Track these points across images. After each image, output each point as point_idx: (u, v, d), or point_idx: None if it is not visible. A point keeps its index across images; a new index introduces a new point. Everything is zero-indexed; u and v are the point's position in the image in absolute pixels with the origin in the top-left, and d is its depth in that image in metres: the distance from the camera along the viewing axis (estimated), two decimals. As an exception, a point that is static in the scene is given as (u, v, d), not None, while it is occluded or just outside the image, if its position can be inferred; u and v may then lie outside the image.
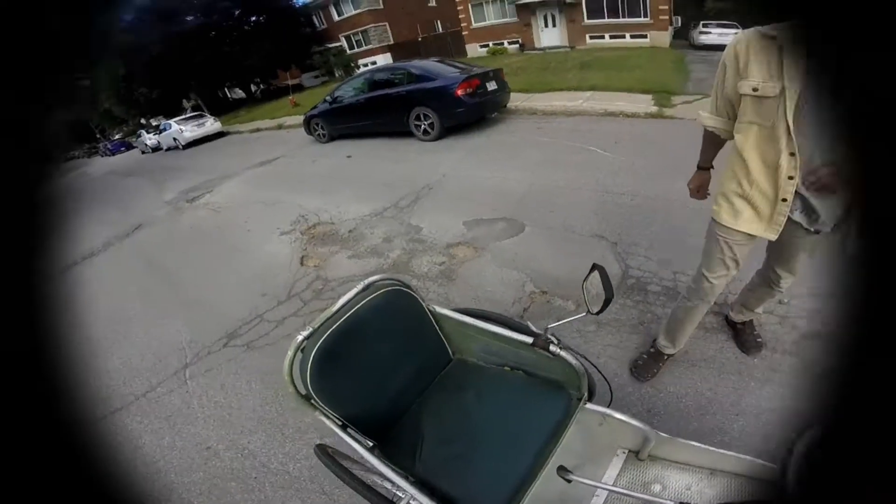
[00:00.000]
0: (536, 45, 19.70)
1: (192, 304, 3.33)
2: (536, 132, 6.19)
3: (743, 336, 1.96)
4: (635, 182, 3.97)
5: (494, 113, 7.21)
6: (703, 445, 1.18)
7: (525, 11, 19.47)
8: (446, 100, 6.30)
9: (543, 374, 1.30)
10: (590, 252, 2.90)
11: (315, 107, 8.61)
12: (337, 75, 24.77)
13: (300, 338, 1.12)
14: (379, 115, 7.17)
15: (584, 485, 1.14)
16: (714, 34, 16.41)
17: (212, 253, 4.29)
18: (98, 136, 31.93)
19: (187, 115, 16.41)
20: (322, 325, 1.16)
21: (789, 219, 1.37)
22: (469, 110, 6.38)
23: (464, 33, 21.74)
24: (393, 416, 1.31)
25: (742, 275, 1.69)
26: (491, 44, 20.65)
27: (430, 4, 28.40)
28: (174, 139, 14.54)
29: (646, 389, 1.84)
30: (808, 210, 1.34)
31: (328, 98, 8.09)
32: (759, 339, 1.95)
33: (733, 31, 16.03)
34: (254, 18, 25.50)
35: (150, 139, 17.26)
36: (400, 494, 1.10)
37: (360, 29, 26.26)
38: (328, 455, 1.20)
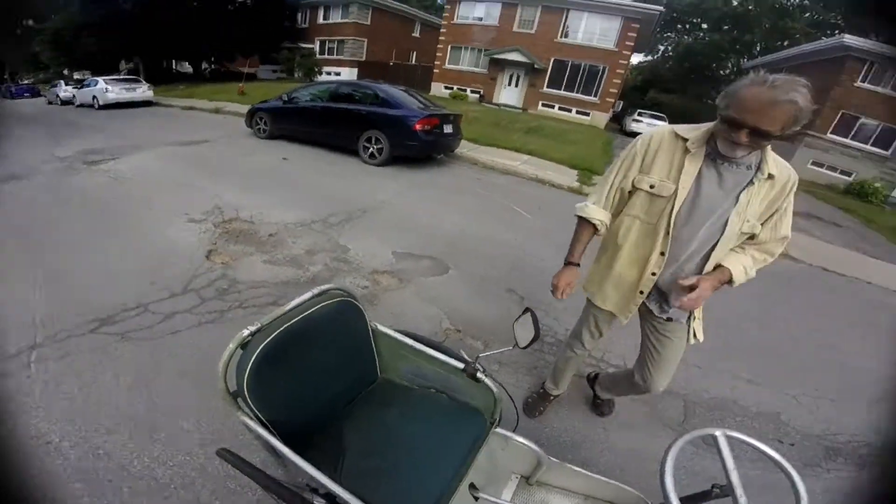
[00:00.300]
0: (494, 100, 21.04)
1: (56, 277, 2.88)
2: (475, 182, 6.62)
3: (601, 406, 2.20)
4: (547, 248, 4.45)
5: (442, 154, 7.60)
6: (585, 472, 1.39)
7: (496, 66, 20.84)
8: (403, 130, 6.51)
9: (465, 398, 1.44)
10: (502, 302, 3.22)
11: (266, 101, 8.39)
12: (296, 76, 24.24)
13: (246, 332, 1.11)
14: (331, 126, 7.17)
15: (489, 500, 1.27)
16: (644, 123, 18.55)
17: (98, 225, 3.76)
18: (5, 77, 28.03)
19: (119, 77, 15.06)
20: (271, 323, 1.16)
21: (646, 305, 1.54)
22: (422, 146, 6.64)
23: (434, 70, 22.53)
24: (317, 426, 1.31)
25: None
26: (455, 87, 21.65)
27: (413, 34, 29.26)
28: (93, 97, 13.15)
29: (534, 424, 2.10)
30: (662, 300, 1.52)
31: (284, 96, 7.95)
32: (614, 405, 2.23)
33: (660, 122, 18.49)
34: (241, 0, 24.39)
35: (64, 91, 15.59)
36: (321, 499, 1.11)
37: (338, 38, 26.10)
38: (236, 456, 1.16)
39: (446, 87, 21.97)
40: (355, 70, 24.92)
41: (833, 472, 2.30)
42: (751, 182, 1.30)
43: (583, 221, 1.57)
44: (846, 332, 4.14)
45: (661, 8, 20.07)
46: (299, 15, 27.48)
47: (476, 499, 1.27)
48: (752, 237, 1.41)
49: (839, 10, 25.96)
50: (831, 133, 16.95)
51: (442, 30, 22.18)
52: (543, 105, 20.49)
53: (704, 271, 1.42)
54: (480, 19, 21.13)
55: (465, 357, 1.42)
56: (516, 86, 21.11)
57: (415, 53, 28.84)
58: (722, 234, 1.36)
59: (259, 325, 1.14)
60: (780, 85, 1.08)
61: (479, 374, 1.35)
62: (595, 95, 19.79)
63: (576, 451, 2.00)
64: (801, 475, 0.95)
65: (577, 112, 19.94)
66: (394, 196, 5.27)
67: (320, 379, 1.32)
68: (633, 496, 1.32)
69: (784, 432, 2.48)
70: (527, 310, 1.38)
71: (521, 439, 1.40)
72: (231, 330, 2.40)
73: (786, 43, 25.00)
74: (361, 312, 1.44)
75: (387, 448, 1.27)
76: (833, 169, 16.97)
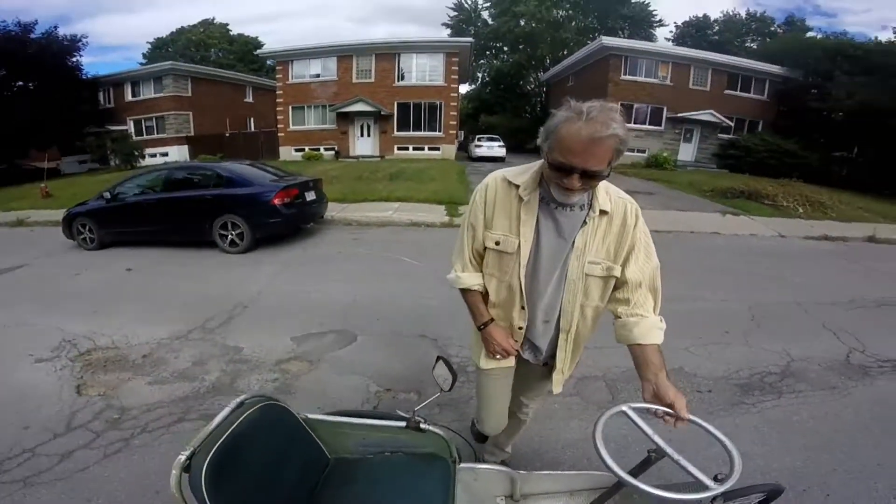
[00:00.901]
0: (351, 153, 21.36)
1: None
2: (353, 243, 6.59)
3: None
4: (442, 287, 4.62)
5: (310, 224, 7.32)
6: (556, 472, 1.51)
7: (344, 120, 21.18)
8: (261, 208, 6.11)
9: (419, 450, 1.48)
10: (418, 349, 3.35)
11: (84, 202, 7.03)
12: (112, 164, 21.34)
13: (182, 458, 1.09)
14: (174, 220, 6.38)
15: None
16: (484, 147, 20.65)
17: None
18: None
19: None
20: (203, 443, 1.15)
21: (521, 356, 1.52)
22: (287, 221, 6.33)
23: (279, 135, 21.97)
24: None
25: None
26: (307, 148, 21.37)
27: (245, 100, 28.07)
28: None
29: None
30: (534, 350, 1.52)
31: (106, 194, 6.68)
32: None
33: (497, 143, 20.70)
34: (21, 84, 20.80)
35: None
36: None
37: (156, 115, 23.84)
38: None
39: (297, 150, 21.62)
40: (185, 147, 23.02)
41: (759, 406, 2.78)
42: (584, 222, 1.27)
43: (464, 291, 1.50)
44: (698, 279, 5.14)
45: (471, 39, 22.85)
46: (101, 94, 24.55)
47: None
48: (620, 280, 1.34)
49: (594, 15, 32.24)
50: (621, 122, 21.06)
51: (278, 91, 21.89)
52: (398, 149, 21.46)
53: (566, 326, 1.41)
54: (318, 76, 21.42)
55: (402, 414, 1.52)
56: (369, 135, 21.75)
57: (252, 120, 27.82)
58: (565, 282, 1.34)
59: (192, 448, 1.12)
60: (596, 116, 1.03)
61: (422, 425, 1.45)
62: (440, 130, 21.44)
63: (541, 456, 2.18)
64: (732, 415, 1.18)
65: (429, 149, 21.33)
66: (270, 281, 4.97)
67: (274, 481, 1.29)
68: (605, 477, 1.45)
69: (696, 383, 2.94)
70: (438, 358, 1.55)
71: (485, 466, 1.53)
72: (146, 455, 2.23)
73: (565, 52, 30.01)
74: (286, 410, 1.44)
75: None
76: (630, 150, 20.88)
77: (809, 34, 29.06)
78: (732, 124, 21.50)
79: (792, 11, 43.00)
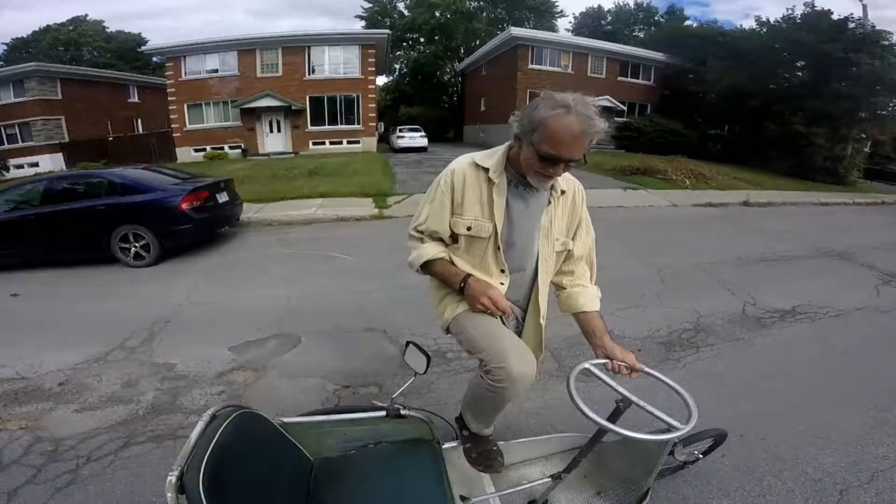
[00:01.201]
0: (260, 151, 20.04)
1: None
2: (277, 244, 6.26)
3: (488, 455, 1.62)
4: (379, 278, 4.66)
5: (226, 228, 6.81)
6: (529, 438, 1.59)
7: (250, 116, 19.74)
8: (167, 215, 5.54)
9: (402, 437, 1.47)
10: (368, 343, 3.32)
11: None
12: (-28, 179, 18.16)
13: (172, 479, 1.03)
14: (61, 237, 5.58)
15: (481, 500, 1.39)
16: (406, 138, 20.57)
17: None
18: None
19: None
20: (189, 461, 1.08)
21: None
22: (198, 227, 5.80)
23: (175, 135, 19.92)
24: None
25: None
26: (209, 148, 19.67)
27: (129, 100, 25.00)
28: None
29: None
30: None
31: None
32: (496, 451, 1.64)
33: (419, 133, 20.77)
34: None
35: None
36: None
37: (18, 121, 20.52)
38: None
39: (197, 150, 19.80)
40: (59, 156, 20.10)
41: (682, 360, 3.13)
42: (548, 202, 1.36)
43: (432, 263, 1.40)
44: (612, 249, 5.64)
45: (387, 31, 22.49)
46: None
47: None
48: (568, 253, 1.45)
49: (503, 6, 33.43)
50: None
51: (169, 89, 19.78)
52: (314, 144, 20.57)
53: (542, 304, 1.47)
54: (216, 71, 19.69)
55: (379, 403, 1.53)
56: (279, 131, 20.56)
57: (139, 121, 25.02)
58: (537, 260, 1.41)
59: (179, 468, 1.05)
60: (582, 111, 1.10)
61: (402, 411, 1.47)
62: (358, 123, 20.93)
63: (509, 427, 2.25)
64: (663, 371, 1.36)
65: (349, 142, 20.75)
66: (191, 292, 4.57)
67: (267, 492, 1.25)
68: (576, 438, 1.59)
69: (626, 344, 3.22)
70: (408, 343, 1.56)
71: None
72: (102, 486, 2.04)
73: (478, 42, 30.87)
74: (261, 417, 1.38)
75: None
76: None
77: (687, 23, 32.80)
78: (626, 108, 23.67)
79: (673, 1, 47.66)
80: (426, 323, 3.27)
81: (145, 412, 2.62)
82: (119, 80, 25.10)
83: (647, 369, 1.35)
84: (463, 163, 1.35)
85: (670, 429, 1.17)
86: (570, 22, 39.26)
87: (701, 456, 1.97)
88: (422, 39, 34.09)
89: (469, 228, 1.33)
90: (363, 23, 33.01)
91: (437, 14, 31.33)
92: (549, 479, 1.54)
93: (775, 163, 17.80)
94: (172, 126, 20.03)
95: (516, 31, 21.87)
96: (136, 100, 25.61)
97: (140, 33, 37.40)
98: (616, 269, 4.92)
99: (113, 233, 5.49)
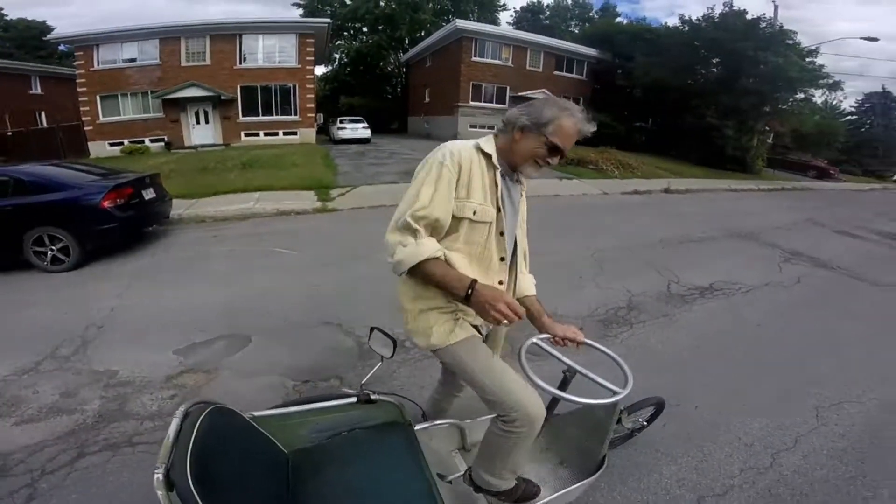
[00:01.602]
0: (186, 143, 18.66)
1: None
2: (213, 241, 5.96)
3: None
4: (328, 271, 4.68)
5: (153, 226, 6.37)
6: (491, 416, 1.65)
7: (173, 107, 18.28)
8: (87, 214, 5.10)
9: (373, 422, 1.49)
10: (324, 336, 3.31)
11: None
12: None
13: (160, 476, 1.03)
14: None
15: (457, 477, 1.44)
16: (348, 129, 20.04)
17: None
18: None
19: None
20: (170, 458, 1.08)
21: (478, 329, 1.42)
22: (123, 226, 5.38)
23: (87, 129, 18.03)
24: None
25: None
26: (127, 142, 18.01)
27: (31, 92, 22.28)
28: None
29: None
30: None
31: None
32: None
33: (362, 125, 20.37)
34: None
35: None
36: None
37: None
38: None
39: (113, 144, 18.07)
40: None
41: (620, 336, 3.42)
42: (520, 195, 1.45)
43: (427, 263, 1.21)
44: (550, 235, 5.98)
45: (328, 20, 21.67)
46: None
47: (450, 482, 1.47)
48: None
49: None
50: (472, 101, 22.56)
51: (79, 80, 17.80)
52: (247, 135, 19.51)
53: (513, 287, 1.50)
54: (133, 60, 18.00)
55: (349, 390, 1.57)
56: (207, 122, 19.24)
57: (43, 114, 22.45)
58: (515, 247, 1.46)
59: (164, 465, 1.06)
60: (581, 116, 1.28)
61: (372, 397, 1.50)
62: (295, 114, 20.11)
63: (470, 405, 2.35)
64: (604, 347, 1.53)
65: (285, 133, 19.90)
66: (122, 296, 4.26)
67: (247, 487, 1.25)
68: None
69: (571, 322, 3.43)
70: (372, 329, 1.59)
71: (438, 422, 1.65)
72: (64, 499, 1.96)
73: (423, 33, 30.73)
74: (233, 412, 1.39)
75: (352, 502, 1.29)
76: (483, 126, 22.72)
77: (619, 20, 34.58)
78: (561, 101, 24.68)
79: (606, -3, 49.80)
80: (381, 314, 3.28)
81: (93, 421, 2.50)
82: (19, 70, 22.52)
83: (587, 340, 1.53)
84: (468, 146, 1.30)
85: (614, 394, 1.32)
86: (511, 15, 40.01)
87: (645, 423, 2.20)
88: (364, 29, 33.31)
89: (475, 213, 1.27)
90: (301, 10, 31.59)
91: (382, 3, 30.77)
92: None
93: (692, 153, 19.51)
94: (84, 119, 18.07)
95: (462, 23, 22.00)
96: (38, 91, 23.15)
97: (45, 21, 33.67)
98: (555, 254, 5.25)
99: (24, 236, 4.97)
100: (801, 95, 20.60)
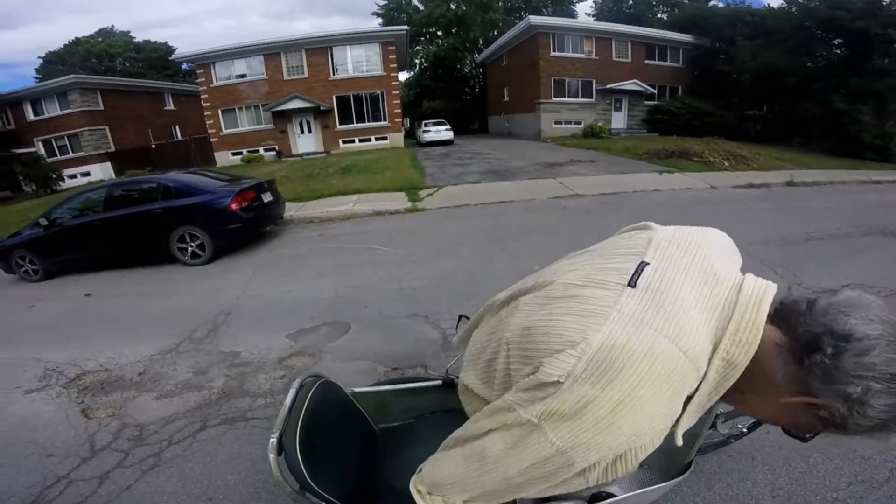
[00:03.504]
0: (293, 152, 20.63)
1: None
2: (319, 239, 6.53)
3: None
4: (418, 267, 4.89)
5: (270, 226, 7.16)
6: None
7: (281, 118, 20.35)
8: (219, 216, 5.88)
9: (455, 405, 1.52)
10: (413, 328, 3.48)
11: (17, 233, 6.49)
12: (29, 190, 19.48)
13: (274, 441, 1.14)
14: (125, 239, 6.02)
15: None
16: (432, 132, 20.65)
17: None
18: None
19: None
20: (286, 424, 1.20)
21: None
22: (247, 225, 6.14)
23: (212, 140, 20.77)
24: (373, 494, 1.34)
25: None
26: (245, 151, 20.41)
27: (165, 108, 26.18)
28: None
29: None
30: None
31: (42, 221, 6.18)
32: None
33: (445, 127, 20.84)
34: None
35: None
36: None
37: (67, 133, 21.76)
38: None
39: (234, 154, 20.60)
40: (108, 164, 21.37)
41: None
42: None
43: None
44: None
45: (405, 27, 22.63)
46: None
47: None
48: None
49: None
50: (554, 97, 21.86)
51: (203, 96, 20.59)
52: (344, 143, 21.02)
53: None
54: (244, 76, 20.35)
55: (434, 374, 1.60)
56: (310, 132, 21.10)
57: (177, 128, 26.10)
58: None
59: (279, 430, 1.18)
60: None
61: (455, 380, 1.51)
62: (385, 119, 21.23)
63: None
64: None
65: (377, 139, 21.10)
66: (245, 286, 4.88)
67: (343, 454, 1.37)
68: None
69: None
70: (460, 316, 1.58)
71: None
72: (183, 466, 2.23)
73: (496, 32, 30.60)
74: (338, 386, 1.51)
75: None
76: (568, 122, 21.92)
77: (712, 3, 31.34)
78: (656, 91, 22.98)
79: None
80: (463, 306, 3.39)
81: (217, 397, 2.85)
82: (155, 88, 26.16)
83: None
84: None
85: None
86: (591, 7, 38.18)
87: (745, 431, 1.97)
88: (439, 33, 34.06)
89: None
90: (380, 20, 33.24)
91: (453, 6, 31.25)
92: None
93: (818, 142, 17.01)
94: (209, 131, 20.82)
95: (535, 19, 21.54)
96: (171, 107, 26.62)
97: (167, 42, 38.97)
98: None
99: (171, 234, 5.89)
100: None
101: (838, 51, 18.16)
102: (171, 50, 35.22)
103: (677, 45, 23.48)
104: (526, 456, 0.66)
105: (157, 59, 36.03)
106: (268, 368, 3.13)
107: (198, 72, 20.60)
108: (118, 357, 3.53)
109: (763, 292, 0.68)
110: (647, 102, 23.18)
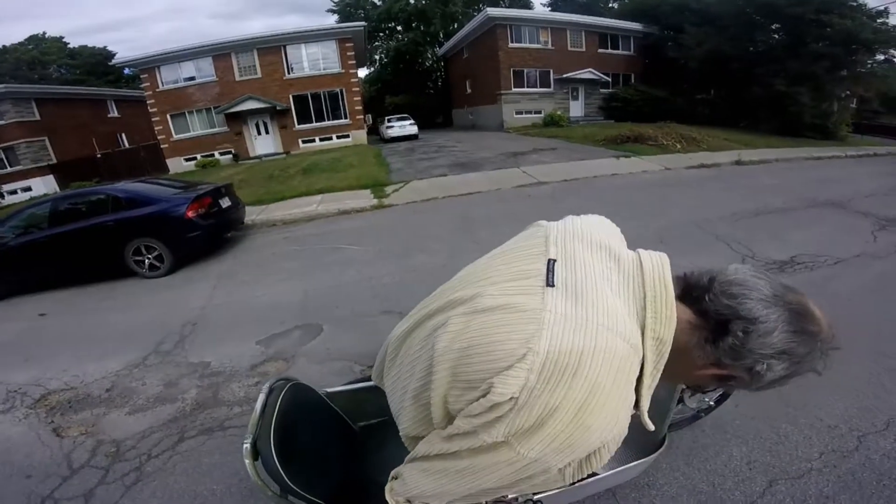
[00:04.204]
0: (251, 154, 19.97)
1: None
2: (284, 242, 6.38)
3: None
4: (388, 263, 4.87)
5: (231, 232, 6.91)
6: None
7: (236, 120, 19.63)
8: (175, 225, 5.63)
9: None
10: (387, 325, 3.40)
11: None
12: (-37, 209, 18.00)
13: (247, 445, 1.14)
14: (75, 256, 5.66)
15: None
16: (396, 127, 20.49)
17: None
18: None
19: None
20: (259, 429, 1.19)
21: None
22: (207, 233, 5.91)
23: (163, 146, 19.80)
24: (359, 492, 1.33)
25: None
26: (199, 156, 19.58)
27: (110, 115, 24.73)
28: None
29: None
30: None
31: None
32: None
33: (409, 122, 20.70)
34: None
35: None
36: None
37: (3, 146, 20.25)
38: None
39: (188, 160, 19.72)
40: (50, 177, 20.04)
41: None
42: None
43: None
44: (610, 214, 5.77)
45: (363, 23, 22.23)
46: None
47: None
48: None
49: None
50: (514, 88, 22.16)
51: (149, 101, 19.56)
52: (304, 142, 20.53)
53: None
54: (193, 79, 19.46)
55: None
56: (268, 133, 20.47)
57: (124, 136, 24.79)
58: None
59: (252, 435, 1.17)
60: None
61: None
62: (346, 117, 20.85)
63: None
64: None
65: (338, 138, 20.72)
66: (211, 295, 4.71)
67: (321, 456, 1.36)
68: None
69: None
70: None
71: None
72: (166, 479, 2.19)
73: (456, 25, 30.55)
74: (310, 388, 1.51)
75: None
76: (529, 112, 22.29)
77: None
78: (610, 79, 23.67)
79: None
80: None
81: (191, 408, 2.78)
82: (96, 95, 24.69)
83: None
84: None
85: None
86: (546, -3, 38.60)
87: (713, 404, 2.04)
88: (399, 28, 33.70)
89: None
90: (336, 17, 32.55)
91: (412, 0, 30.98)
92: None
93: (764, 123, 18.00)
94: (159, 137, 19.83)
95: (493, 11, 21.68)
96: (116, 114, 25.28)
97: (105, 47, 37.13)
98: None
99: (126, 247, 5.59)
100: (881, 57, 18.85)
101: (776, 36, 19.14)
102: (110, 55, 33.56)
103: (628, 34, 24.19)
104: (503, 468, 0.67)
105: (95, 64, 34.12)
106: (240, 376, 3.07)
107: (142, 76, 19.56)
108: (83, 374, 3.38)
109: (662, 266, 0.73)
110: (602, 90, 23.83)
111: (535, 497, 1.37)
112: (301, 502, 1.16)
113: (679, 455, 2.00)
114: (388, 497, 0.82)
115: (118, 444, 2.54)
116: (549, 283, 0.69)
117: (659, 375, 0.71)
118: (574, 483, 0.83)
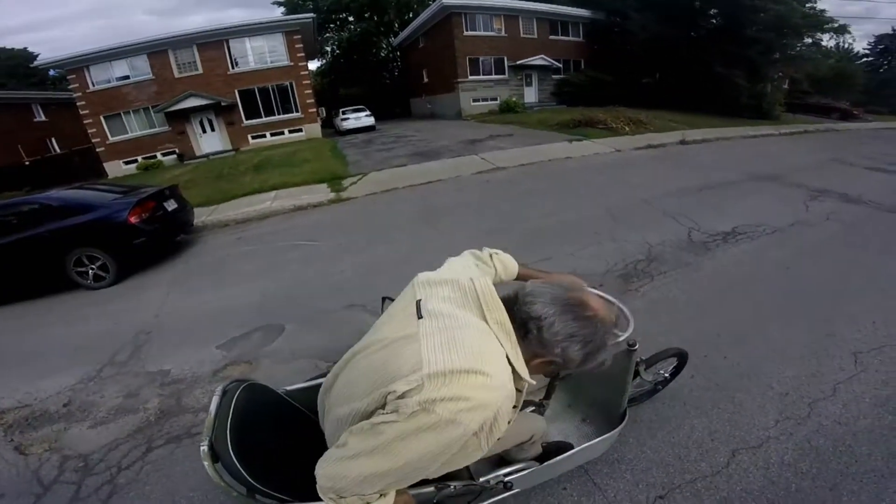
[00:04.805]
0: (198, 153, 18.97)
1: None
2: (238, 243, 6.14)
3: None
4: (349, 257, 4.81)
5: (181, 235, 6.57)
6: None
7: (178, 119, 18.51)
8: (117, 231, 5.28)
9: None
10: (350, 320, 3.42)
11: None
12: None
13: (204, 448, 1.15)
14: (9, 270, 5.17)
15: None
16: (352, 119, 19.95)
17: None
18: None
19: None
20: (215, 431, 1.19)
21: None
22: (152, 237, 5.57)
23: (99, 150, 18.43)
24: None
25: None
26: (140, 158, 18.40)
27: (36, 120, 22.75)
28: None
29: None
30: None
31: None
32: None
33: (365, 113, 20.27)
34: None
35: None
36: None
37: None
38: None
39: (128, 163, 18.49)
40: (-27, 188, 18.16)
41: (641, 290, 3.40)
42: None
43: None
44: (564, 196, 5.94)
45: (312, 15, 21.42)
46: None
47: None
48: None
49: None
50: (471, 75, 22.22)
51: (79, 103, 18.09)
52: (254, 138, 19.71)
53: None
54: (127, 77, 18.15)
55: None
56: (213, 130, 19.47)
57: (53, 140, 22.96)
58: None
59: (207, 438, 1.17)
60: None
61: None
62: (297, 111, 20.17)
63: None
64: (625, 302, 1.55)
65: (290, 132, 20.05)
66: (163, 302, 4.49)
67: (282, 454, 1.34)
68: None
69: (589, 280, 3.34)
70: (384, 299, 1.66)
71: None
72: (142, 489, 2.16)
73: (411, 14, 30.05)
74: (267, 387, 1.51)
75: None
76: (485, 100, 22.45)
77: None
78: (561, 66, 24.16)
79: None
80: (400, 288, 3.47)
81: (156, 418, 2.69)
82: (18, 99, 22.65)
83: (592, 290, 1.55)
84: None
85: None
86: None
87: (668, 377, 2.14)
88: (351, 18, 32.74)
89: None
90: (282, 9, 31.20)
91: (366, -11, 30.17)
92: (534, 407, 1.72)
93: (705, 105, 19.01)
94: (93, 141, 18.43)
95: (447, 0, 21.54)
96: (43, 118, 23.38)
97: (26, 48, 34.30)
98: (570, 213, 5.26)
99: (65, 258, 5.19)
100: (808, 41, 20.39)
101: (714, 21, 20.09)
102: (32, 56, 30.74)
103: (577, 20, 24.69)
104: (424, 435, 0.81)
105: (15, 66, 31.39)
106: (203, 382, 2.97)
107: (69, 77, 18.00)
108: (36, 391, 3.17)
109: (484, 282, 1.03)
110: (554, 76, 24.30)
111: (507, 479, 1.45)
112: (270, 500, 1.16)
113: (644, 429, 2.06)
114: (321, 495, 0.94)
115: (85, 458, 2.44)
116: (420, 315, 0.97)
117: (519, 354, 0.94)
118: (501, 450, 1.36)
